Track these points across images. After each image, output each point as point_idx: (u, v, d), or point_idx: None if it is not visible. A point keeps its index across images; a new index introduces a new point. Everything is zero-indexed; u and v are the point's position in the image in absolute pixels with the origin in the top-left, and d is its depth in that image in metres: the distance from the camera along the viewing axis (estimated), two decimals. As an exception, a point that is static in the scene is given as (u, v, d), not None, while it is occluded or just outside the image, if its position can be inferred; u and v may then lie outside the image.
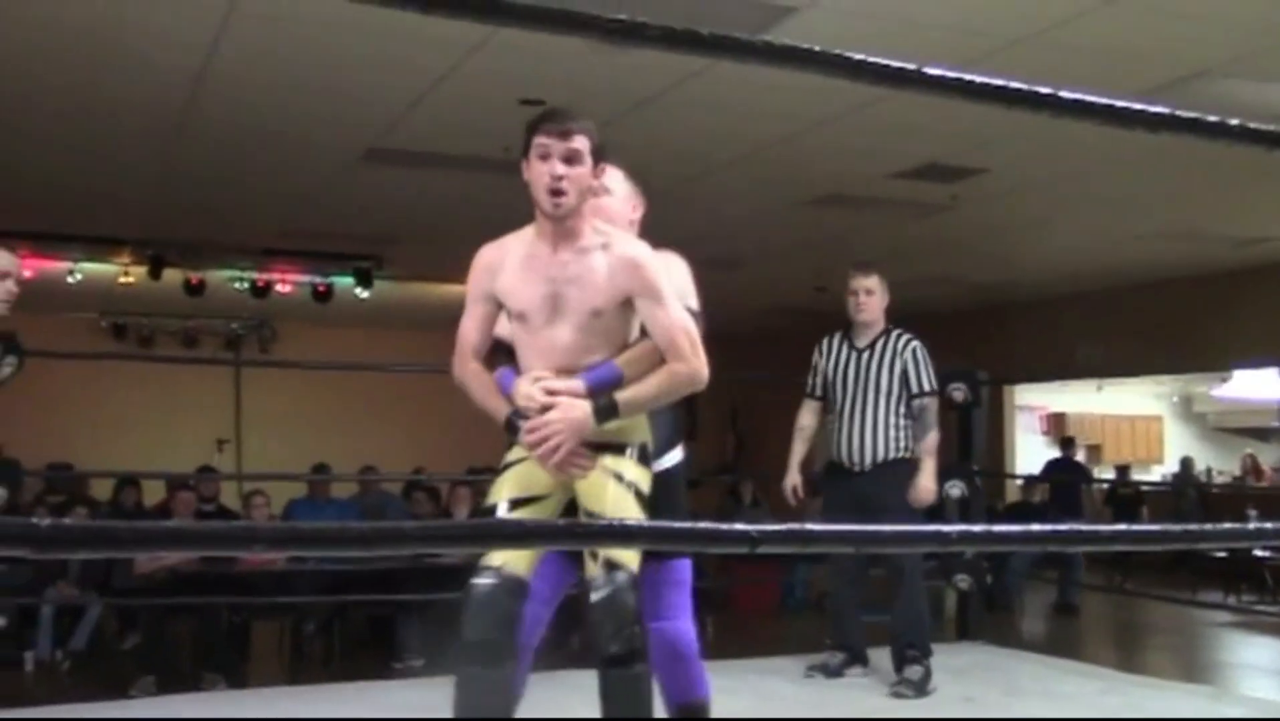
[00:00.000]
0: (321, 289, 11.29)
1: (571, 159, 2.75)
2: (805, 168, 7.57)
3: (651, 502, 2.68)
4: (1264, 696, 3.98)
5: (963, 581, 5.89)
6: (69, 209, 8.76)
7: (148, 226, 9.41)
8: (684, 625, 3.04)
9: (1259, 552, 10.31)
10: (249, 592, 7.49)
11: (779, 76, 5.82)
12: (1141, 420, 17.42)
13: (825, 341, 5.22)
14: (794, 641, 6.94)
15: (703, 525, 1.13)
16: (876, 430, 4.88)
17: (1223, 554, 10.79)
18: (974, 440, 6.09)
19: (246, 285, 11.10)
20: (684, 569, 3.11)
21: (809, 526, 1.14)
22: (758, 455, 16.20)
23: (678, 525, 1.13)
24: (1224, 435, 17.45)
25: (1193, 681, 6.67)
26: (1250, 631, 9.55)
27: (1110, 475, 15.48)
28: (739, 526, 1.08)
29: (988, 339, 12.86)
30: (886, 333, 5.08)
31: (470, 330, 2.90)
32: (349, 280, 10.97)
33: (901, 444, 4.90)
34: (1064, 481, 12.91)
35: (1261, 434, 16.46)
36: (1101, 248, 10.13)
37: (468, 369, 2.87)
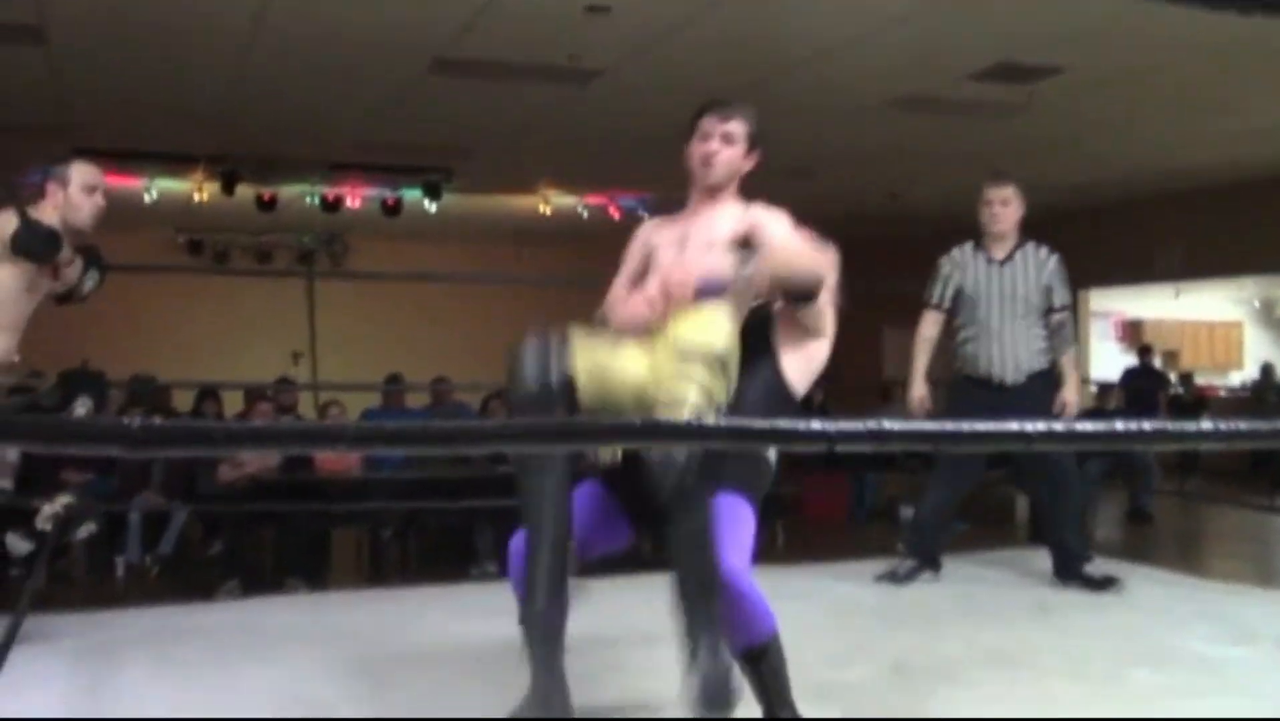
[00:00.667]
0: (391, 202, 11.35)
1: (727, 139, 3.12)
2: (877, 69, 7.42)
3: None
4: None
5: (1035, 487, 5.85)
6: (143, 126, 8.85)
7: (220, 142, 9.48)
8: (729, 562, 2.70)
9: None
10: (327, 500, 7.66)
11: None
12: (1220, 326, 17.06)
13: (956, 253, 5.11)
14: (864, 547, 6.98)
15: (780, 423, 1.12)
16: (1019, 344, 4.87)
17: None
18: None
19: (317, 200, 11.19)
20: (738, 505, 2.84)
21: (886, 424, 1.14)
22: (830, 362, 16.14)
23: (754, 423, 1.13)
24: (1306, 340, 17.07)
25: (1270, 588, 6.62)
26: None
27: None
28: (816, 424, 1.08)
29: (1063, 244, 12.61)
30: (1024, 245, 5.03)
31: (617, 284, 3.16)
32: (418, 193, 11.01)
33: (1045, 357, 4.90)
34: (1140, 388, 12.77)
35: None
36: (1180, 148, 9.85)
37: (615, 309, 3.05)
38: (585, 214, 12.36)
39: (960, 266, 5.04)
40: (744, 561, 2.77)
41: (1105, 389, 11.55)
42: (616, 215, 12.57)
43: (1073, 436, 1.26)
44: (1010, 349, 4.86)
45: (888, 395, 12.01)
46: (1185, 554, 9.09)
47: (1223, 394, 14.94)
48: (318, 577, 7.36)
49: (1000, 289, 4.92)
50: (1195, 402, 13.70)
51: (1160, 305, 16.29)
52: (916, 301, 5.28)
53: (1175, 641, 4.00)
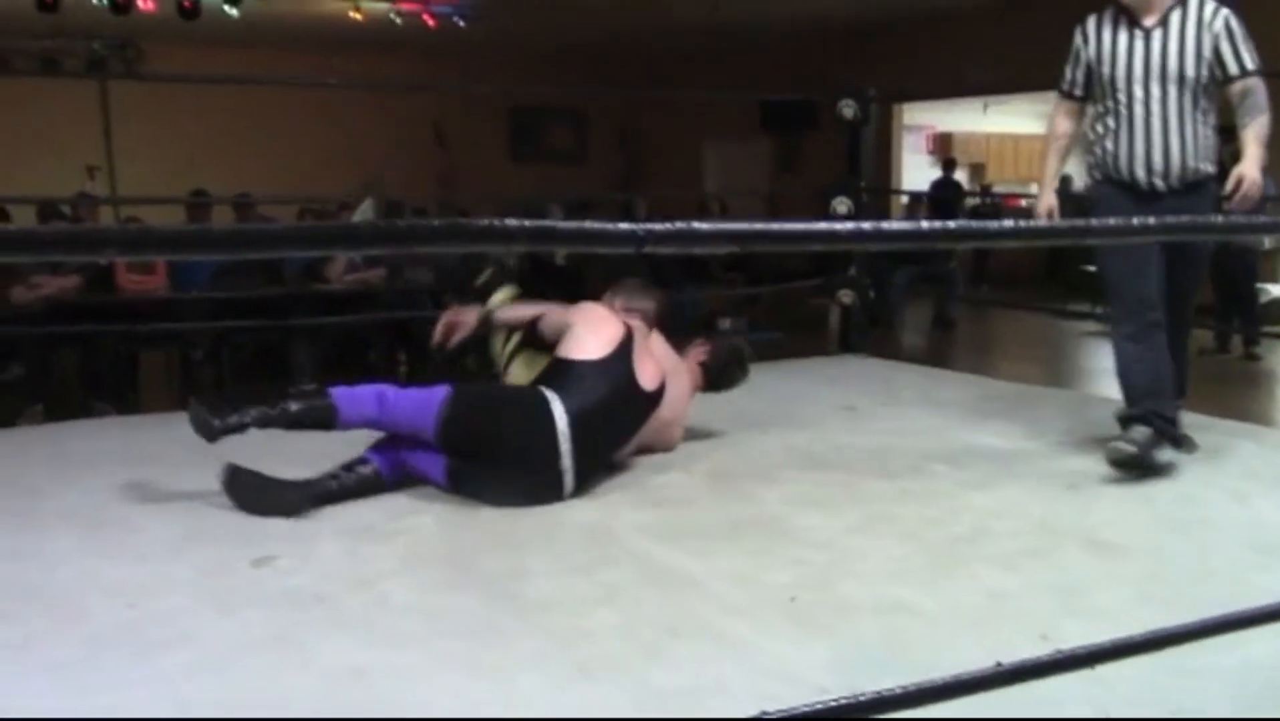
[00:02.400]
0: (187, 4, 10.66)
1: None
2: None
3: None
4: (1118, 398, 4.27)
5: (846, 296, 6.04)
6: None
7: (-10, -65, 8.72)
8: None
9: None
10: (133, 321, 7.37)
11: None
12: (1026, 139, 17.62)
13: (1091, 22, 3.99)
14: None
15: (590, 224, 1.10)
16: (1184, 136, 3.78)
17: (1092, 267, 11.18)
18: (862, 158, 6.10)
19: (105, 1, 10.44)
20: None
21: (694, 225, 1.13)
22: (647, 177, 16.16)
23: (565, 224, 1.11)
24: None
25: (1061, 387, 7.03)
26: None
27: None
28: (626, 225, 1.06)
29: (874, 58, 12.77)
30: (1183, 3, 3.80)
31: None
32: (217, -5, 10.38)
33: (1213, 153, 3.85)
34: (944, 199, 13.19)
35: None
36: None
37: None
38: (399, 20, 11.88)
39: (1093, 39, 3.96)
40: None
41: (916, 199, 11.88)
42: (431, 23, 12.13)
43: (881, 235, 1.27)
44: (1161, 144, 3.79)
45: (705, 209, 12.11)
46: (985, 358, 9.56)
47: (1024, 204, 15.55)
48: (127, 402, 7.13)
49: (1148, 64, 3.79)
50: (993, 210, 14.29)
51: (969, 119, 16.71)
52: (737, 117, 5.20)
53: (972, 439, 4.22)
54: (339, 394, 3.44)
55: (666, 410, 3.84)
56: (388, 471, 3.47)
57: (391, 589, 2.75)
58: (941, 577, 2.81)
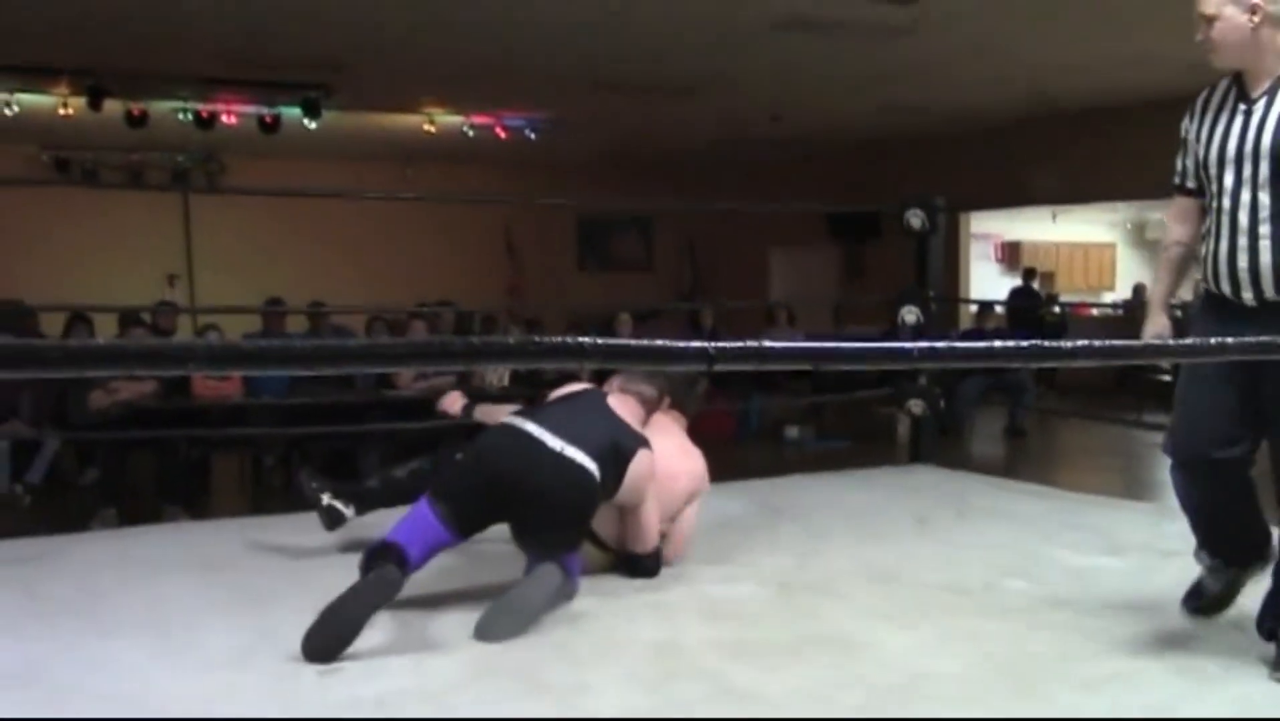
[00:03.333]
0: (268, 120, 11.01)
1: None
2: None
3: None
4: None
5: (916, 406, 5.98)
6: (2, 36, 8.41)
7: (85, 55, 9.06)
8: None
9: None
10: (207, 426, 7.48)
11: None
12: (1095, 247, 17.55)
13: (1202, 96, 3.13)
14: (749, 468, 7.07)
15: (660, 342, 1.10)
16: (1276, 236, 2.91)
17: (1167, 377, 11.00)
18: (930, 267, 6.09)
19: (190, 116, 10.81)
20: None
21: (766, 343, 1.12)
22: (714, 284, 16.25)
23: (637, 342, 1.12)
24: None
25: (1136, 500, 6.86)
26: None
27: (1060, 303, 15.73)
28: (696, 344, 1.06)
29: (945, 167, 12.82)
30: None
31: None
32: (296, 111, 10.69)
33: None
34: (1022, 309, 13.13)
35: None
36: (1058, 73, 10.01)
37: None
38: (471, 133, 12.15)
39: (1198, 114, 3.10)
40: None
41: (985, 308, 11.82)
42: (503, 135, 12.39)
43: (954, 354, 1.26)
44: (1248, 246, 2.93)
45: (772, 317, 12.13)
46: (1057, 468, 9.39)
47: (1094, 313, 15.41)
48: (198, 505, 7.21)
49: (1241, 142, 2.95)
50: (1062, 321, 14.20)
51: (1038, 227, 16.68)
52: (803, 223, 5.19)
53: (1047, 552, 4.12)
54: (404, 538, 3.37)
55: (664, 462, 3.78)
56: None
57: (458, 701, 2.72)
58: (1020, 699, 2.72)
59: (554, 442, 3.44)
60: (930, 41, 8.63)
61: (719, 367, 1.10)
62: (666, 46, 8.91)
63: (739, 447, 10.16)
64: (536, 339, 1.13)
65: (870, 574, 3.84)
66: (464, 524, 3.39)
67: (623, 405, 3.81)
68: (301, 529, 4.44)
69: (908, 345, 1.19)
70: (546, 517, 3.40)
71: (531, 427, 3.50)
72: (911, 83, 10.29)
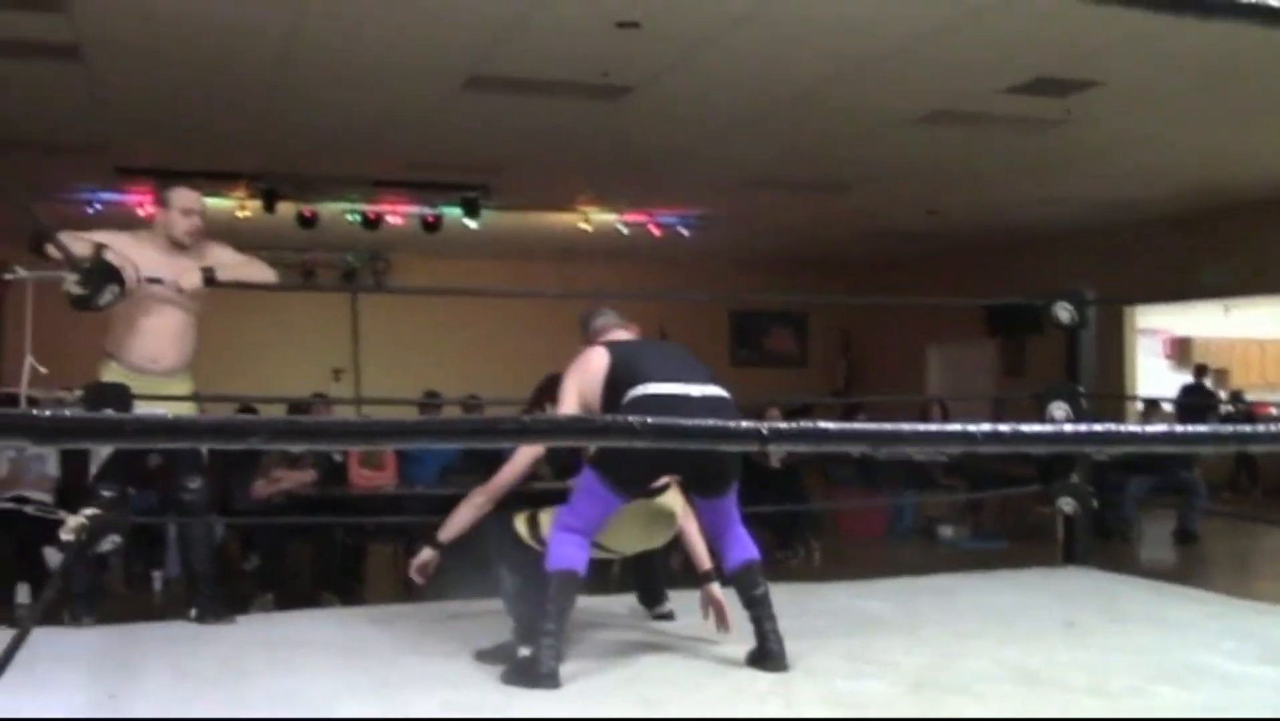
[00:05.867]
0: (430, 219, 11.44)
1: None
2: (913, 83, 7.38)
3: None
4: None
5: (1067, 505, 5.77)
6: (183, 144, 8.98)
7: (261, 160, 9.61)
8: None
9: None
10: (363, 515, 7.70)
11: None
12: (1272, 343, 16.78)
13: None
14: (898, 567, 6.92)
15: (713, 422, 1.12)
16: None
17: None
18: (1081, 362, 5.92)
19: (358, 217, 11.30)
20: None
21: (820, 424, 1.13)
22: (869, 380, 16.07)
23: (691, 422, 1.13)
24: (1362, 358, 16.73)
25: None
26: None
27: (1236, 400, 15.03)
28: (749, 424, 1.07)
29: (1108, 259, 12.50)
30: None
31: None
32: (457, 211, 11.09)
33: None
34: (1192, 405, 12.59)
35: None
36: (1225, 161, 9.72)
37: None
38: (626, 231, 12.39)
39: None
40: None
41: (1150, 406, 11.40)
42: (657, 232, 12.58)
43: (1017, 438, 1.23)
44: None
45: (926, 413, 11.92)
46: (1228, 574, 8.93)
47: (1274, 411, 14.69)
48: (352, 593, 7.39)
49: None
50: (1246, 419, 13.50)
51: (1209, 322, 16.05)
52: (960, 318, 5.11)
53: (1201, 658, 3.92)
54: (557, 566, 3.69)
55: None
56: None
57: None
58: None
59: None
60: (1085, 132, 8.49)
61: (772, 447, 1.10)
62: (817, 144, 8.98)
63: (889, 545, 9.97)
64: (587, 417, 1.15)
65: (1009, 676, 3.70)
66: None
67: None
68: (446, 617, 4.53)
69: (972, 428, 1.18)
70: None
71: None
72: (1068, 174, 10.13)
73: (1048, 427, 1.03)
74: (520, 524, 4.05)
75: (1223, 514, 12.12)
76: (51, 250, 4.13)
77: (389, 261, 14.22)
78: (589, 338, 4.24)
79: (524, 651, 3.67)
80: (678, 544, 4.30)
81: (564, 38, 6.51)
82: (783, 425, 1.10)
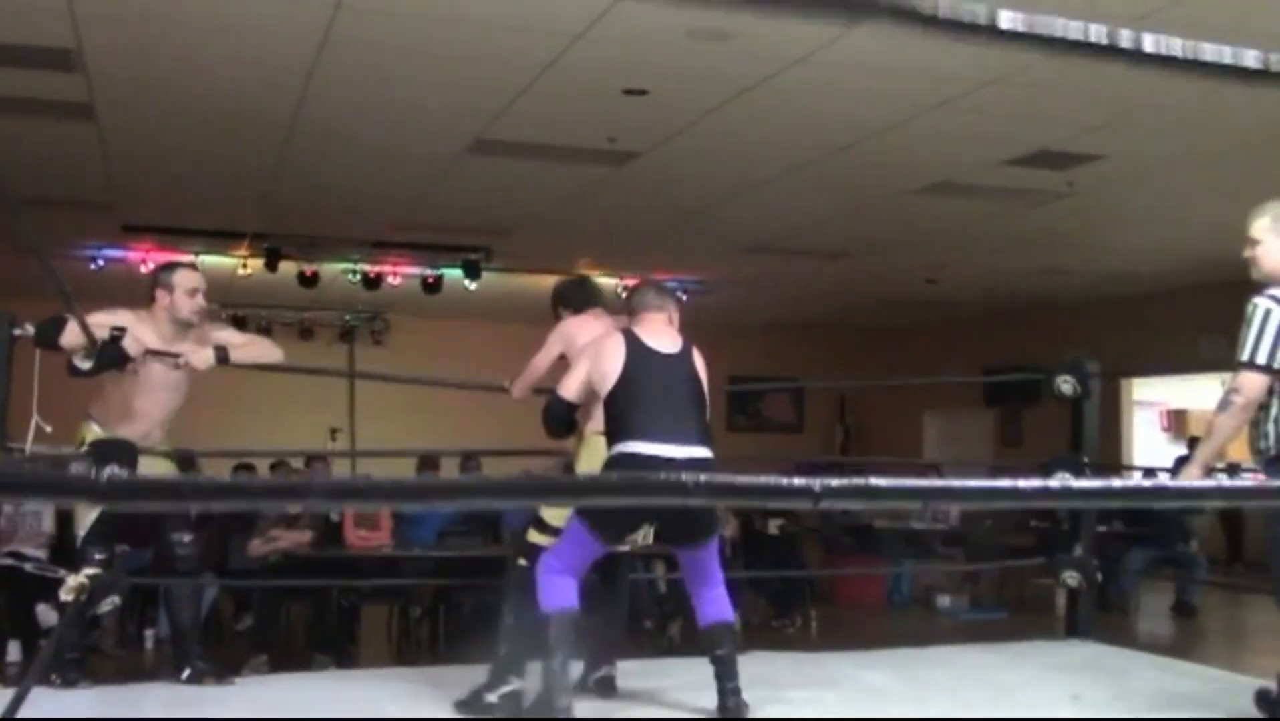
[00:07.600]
0: (431, 280, 11.47)
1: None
2: (914, 155, 7.45)
3: None
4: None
5: (1071, 578, 5.74)
6: (189, 203, 9.02)
7: (264, 220, 9.65)
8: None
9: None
10: (358, 576, 7.64)
11: (885, 60, 5.75)
12: (1268, 417, 16.82)
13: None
14: (897, 636, 6.87)
15: (766, 479, 1.13)
16: None
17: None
18: (1085, 434, 5.92)
19: (358, 277, 11.33)
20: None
21: (872, 480, 1.13)
22: (866, 446, 16.05)
23: (744, 480, 1.13)
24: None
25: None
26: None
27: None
28: (801, 480, 1.07)
29: (1105, 330, 12.55)
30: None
31: None
32: (458, 272, 11.12)
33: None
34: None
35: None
36: (1223, 235, 9.74)
37: None
38: (624, 294, 12.41)
39: None
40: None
41: (1148, 476, 11.38)
42: (656, 297, 12.61)
43: (1066, 494, 1.23)
44: None
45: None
46: (1228, 648, 8.88)
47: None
48: (346, 655, 7.32)
49: None
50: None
51: (1206, 395, 16.06)
52: (958, 386, 5.12)
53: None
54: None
55: None
56: None
57: None
58: None
59: None
60: (1087, 205, 8.56)
61: (824, 505, 1.10)
62: (818, 212, 9.05)
63: (887, 615, 9.91)
64: (643, 476, 1.15)
65: (1017, 752, 3.67)
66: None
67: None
68: (446, 681, 4.49)
69: (1022, 484, 1.18)
70: None
71: None
72: (1068, 245, 10.19)
73: (1098, 483, 1.04)
74: (532, 534, 4.23)
75: (1218, 584, 12.07)
76: (65, 340, 4.16)
77: (387, 321, 14.23)
78: (628, 309, 4.42)
79: (510, 686, 3.93)
80: (675, 613, 4.36)
81: (571, 103, 6.57)
82: (834, 482, 1.11)
